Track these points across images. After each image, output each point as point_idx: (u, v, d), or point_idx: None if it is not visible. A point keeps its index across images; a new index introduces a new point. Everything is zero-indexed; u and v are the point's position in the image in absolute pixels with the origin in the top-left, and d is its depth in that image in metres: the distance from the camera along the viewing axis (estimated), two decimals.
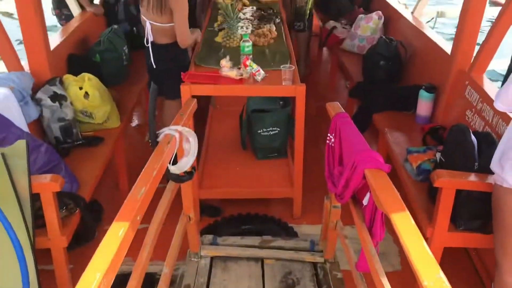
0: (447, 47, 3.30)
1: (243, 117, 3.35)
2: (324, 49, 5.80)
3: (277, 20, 4.00)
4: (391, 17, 4.46)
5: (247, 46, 2.93)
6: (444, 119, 3.09)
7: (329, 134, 1.99)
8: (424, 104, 3.19)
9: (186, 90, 2.72)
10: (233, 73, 2.83)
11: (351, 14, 4.98)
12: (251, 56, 2.94)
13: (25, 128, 2.56)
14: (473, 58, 2.97)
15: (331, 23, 4.99)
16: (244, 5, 4.43)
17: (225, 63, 2.91)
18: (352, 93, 3.89)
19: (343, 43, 4.66)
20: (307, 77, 4.98)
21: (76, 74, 3.12)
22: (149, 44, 3.10)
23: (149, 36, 3.07)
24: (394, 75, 3.80)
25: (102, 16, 4.35)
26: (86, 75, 3.04)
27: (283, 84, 2.79)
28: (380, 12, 4.46)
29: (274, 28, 3.77)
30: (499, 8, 2.87)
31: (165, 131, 1.79)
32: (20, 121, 2.54)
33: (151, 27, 3.03)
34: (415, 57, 3.76)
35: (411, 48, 3.83)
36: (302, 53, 5.19)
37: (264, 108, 3.25)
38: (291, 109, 3.21)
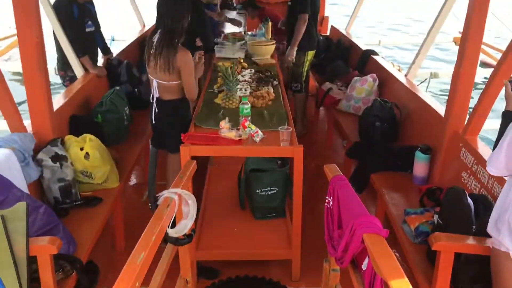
0: (441, 109, 3.39)
1: (241, 177, 3.37)
2: (321, 108, 5.92)
3: (275, 82, 4.12)
4: (386, 79, 4.60)
5: (246, 108, 3.01)
6: (440, 180, 3.12)
7: (327, 197, 2.01)
8: (420, 165, 3.23)
9: (186, 151, 2.76)
10: (232, 134, 2.89)
11: (347, 76, 5.14)
12: (249, 118, 3.01)
13: (25, 189, 2.57)
14: (466, 120, 3.05)
15: (327, 84, 5.14)
16: (243, 67, 4.58)
17: (224, 124, 2.98)
18: (349, 153, 3.94)
19: (339, 104, 4.78)
20: (304, 136, 5.07)
21: (77, 134, 3.18)
22: (154, 100, 3.24)
23: (155, 93, 3.22)
24: (390, 136, 3.87)
25: (105, 78, 4.48)
26: (88, 136, 3.09)
27: (281, 145, 2.84)
28: (374, 75, 4.61)
29: (272, 90, 3.88)
30: (491, 69, 2.97)
31: (165, 194, 1.81)
32: (20, 182, 2.56)
33: (158, 85, 3.18)
34: (409, 118, 3.85)
35: (405, 109, 3.93)
36: (299, 112, 5.30)
37: (262, 168, 3.28)
38: (289, 169, 3.24)
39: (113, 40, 9.54)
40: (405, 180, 3.33)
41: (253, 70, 4.49)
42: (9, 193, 2.27)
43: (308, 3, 4.70)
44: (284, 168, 3.31)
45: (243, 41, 5.39)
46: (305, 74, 5.09)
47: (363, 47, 5.74)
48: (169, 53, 3.03)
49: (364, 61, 5.41)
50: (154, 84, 3.20)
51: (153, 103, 3.27)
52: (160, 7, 3.15)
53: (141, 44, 5.76)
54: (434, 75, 8.16)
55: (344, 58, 5.97)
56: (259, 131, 2.90)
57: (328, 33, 7.42)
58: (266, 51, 5.02)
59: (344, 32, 6.76)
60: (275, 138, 2.89)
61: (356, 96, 4.60)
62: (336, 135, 5.37)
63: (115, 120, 3.77)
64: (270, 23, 5.79)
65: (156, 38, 3.11)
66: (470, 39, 2.90)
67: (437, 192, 2.97)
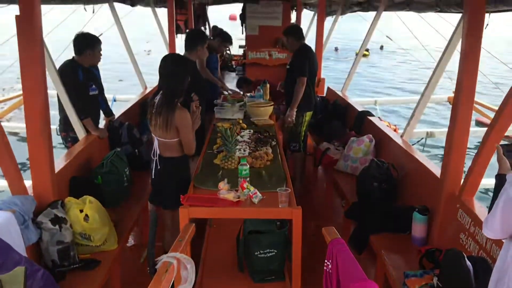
0: (437, 170, 3.44)
1: (240, 238, 3.36)
2: (319, 167, 5.97)
3: (273, 143, 4.20)
4: (382, 140, 4.69)
5: (245, 169, 3.05)
6: (439, 241, 3.12)
7: (326, 260, 2.01)
8: (418, 226, 3.24)
9: (185, 213, 2.78)
10: (230, 196, 2.91)
11: (344, 137, 5.23)
12: (248, 179, 3.05)
13: (23, 252, 2.57)
14: (462, 180, 3.09)
15: (325, 144, 5.23)
16: (242, 128, 4.68)
17: (223, 185, 3.02)
18: (348, 214, 3.95)
19: (337, 163, 4.84)
20: (303, 196, 5.09)
21: (78, 196, 3.21)
22: (156, 157, 3.37)
23: (156, 149, 3.36)
24: (388, 196, 3.89)
25: (106, 139, 4.56)
26: (88, 198, 3.12)
27: (280, 206, 2.86)
28: (370, 136, 4.70)
29: (270, 150, 3.94)
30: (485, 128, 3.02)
31: (164, 258, 1.82)
32: (19, 244, 2.56)
33: (158, 142, 3.32)
34: (406, 178, 3.89)
35: (402, 170, 3.98)
36: (298, 172, 5.35)
37: (261, 229, 3.27)
38: (288, 230, 3.24)
39: (114, 100, 9.79)
40: (404, 241, 3.32)
41: (251, 131, 4.59)
42: (7, 257, 2.26)
43: (306, 66, 4.89)
44: (283, 229, 3.29)
45: (242, 103, 5.53)
46: (303, 134, 5.19)
47: (359, 108, 5.88)
48: (168, 112, 3.17)
49: (360, 121, 5.53)
50: (155, 141, 3.35)
51: (154, 159, 3.39)
52: (162, 70, 3.31)
53: (142, 105, 5.90)
54: (430, 135, 8.30)
55: (341, 118, 6.11)
56: (258, 193, 2.93)
57: (324, 94, 7.61)
58: (265, 112, 5.14)
59: (340, 93, 6.94)
60: (274, 199, 2.92)
61: (353, 156, 4.67)
62: (335, 195, 5.39)
63: (115, 182, 3.80)
64: (268, 85, 5.97)
65: (158, 98, 3.24)
66: (462, 101, 2.99)
67: (436, 254, 2.96)
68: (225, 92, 6.11)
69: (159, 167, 3.38)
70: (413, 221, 3.27)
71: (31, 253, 2.77)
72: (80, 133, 4.27)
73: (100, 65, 4.76)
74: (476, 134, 6.97)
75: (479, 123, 10.16)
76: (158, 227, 3.50)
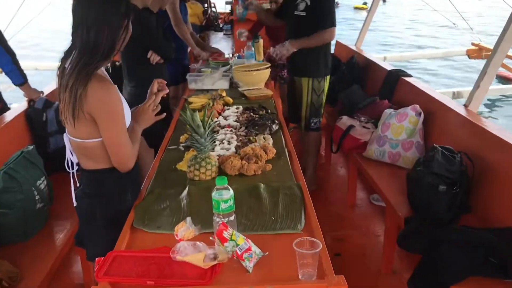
0: None
1: None
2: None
3: (275, 127, 2.68)
4: (433, 113, 3.16)
5: (224, 200, 1.51)
6: None
7: None
8: None
9: None
10: (198, 258, 1.41)
11: (372, 107, 3.70)
12: (232, 217, 1.55)
13: None
14: None
15: (345, 120, 3.66)
16: (227, 104, 3.16)
17: (183, 230, 1.53)
18: (402, 241, 2.39)
19: (367, 149, 3.32)
20: (315, 192, 3.61)
21: None
22: (73, 170, 1.92)
23: (70, 157, 1.89)
24: (461, 207, 2.43)
25: (23, 129, 3.05)
26: None
27: (300, 278, 1.38)
28: (417, 107, 3.15)
29: (271, 141, 2.45)
30: None
31: None
32: None
33: (71, 144, 1.84)
34: (490, 177, 2.42)
35: (477, 161, 2.49)
36: (312, 159, 3.90)
37: None
38: None
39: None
40: None
41: (240, 107, 3.06)
42: None
43: (334, 14, 3.52)
44: None
45: (228, 67, 3.98)
46: (324, 104, 3.81)
47: (387, 66, 4.31)
48: (77, 85, 1.63)
49: (391, 85, 3.97)
50: (67, 143, 1.85)
51: (71, 172, 1.91)
52: (76, 13, 1.71)
53: None
54: (457, 95, 6.85)
55: (360, 81, 4.55)
56: (253, 247, 1.43)
57: (332, 51, 6.01)
58: (259, 78, 3.56)
59: (354, 48, 5.35)
60: (288, 256, 1.44)
61: (393, 138, 3.14)
62: (359, 187, 3.92)
63: (18, 204, 2.30)
64: (261, 41, 4.39)
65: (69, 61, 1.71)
66: None
67: None
68: (202, 55, 4.45)
69: (78, 186, 1.93)
70: None
71: None
72: None
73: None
74: None
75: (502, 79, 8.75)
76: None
